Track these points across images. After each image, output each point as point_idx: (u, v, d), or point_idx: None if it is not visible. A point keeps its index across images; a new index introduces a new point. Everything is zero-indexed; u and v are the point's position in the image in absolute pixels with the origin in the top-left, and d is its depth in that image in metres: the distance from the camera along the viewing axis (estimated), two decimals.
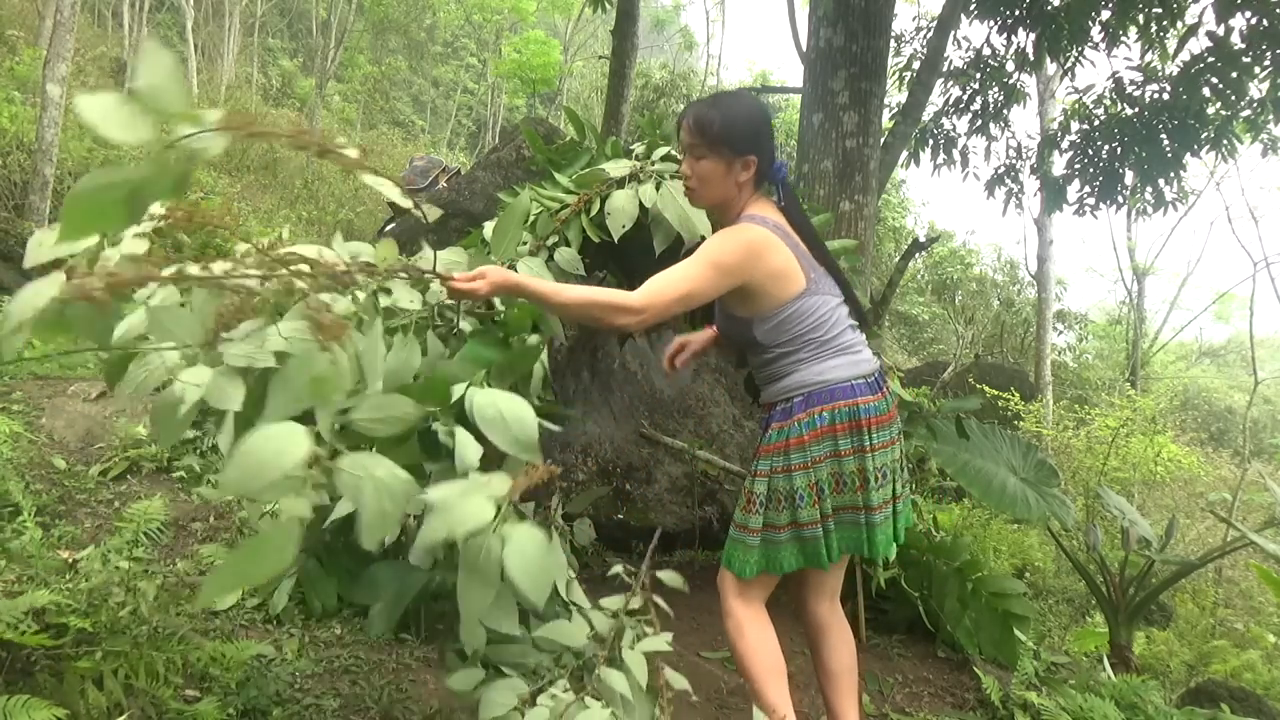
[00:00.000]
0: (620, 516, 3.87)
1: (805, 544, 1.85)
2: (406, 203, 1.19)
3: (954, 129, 6.89)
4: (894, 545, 1.91)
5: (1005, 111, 6.63)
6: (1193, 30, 5.19)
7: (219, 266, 1.07)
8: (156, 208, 1.14)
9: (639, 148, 2.76)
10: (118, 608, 1.78)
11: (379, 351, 1.16)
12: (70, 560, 2.15)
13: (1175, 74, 5.44)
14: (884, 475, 1.85)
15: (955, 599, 2.91)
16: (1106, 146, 5.92)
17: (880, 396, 1.86)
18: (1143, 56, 5.71)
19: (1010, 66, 6.34)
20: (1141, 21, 5.48)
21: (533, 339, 1.75)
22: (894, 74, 6.64)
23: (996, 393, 7.99)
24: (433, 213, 1.28)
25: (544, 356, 1.86)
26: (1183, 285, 17.01)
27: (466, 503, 1.14)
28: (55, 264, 1.12)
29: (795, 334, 1.86)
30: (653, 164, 2.62)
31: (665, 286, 1.73)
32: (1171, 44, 5.57)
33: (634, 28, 8.46)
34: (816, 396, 1.83)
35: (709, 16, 26.68)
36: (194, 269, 1.05)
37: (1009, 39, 6.06)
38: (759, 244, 1.79)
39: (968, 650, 2.89)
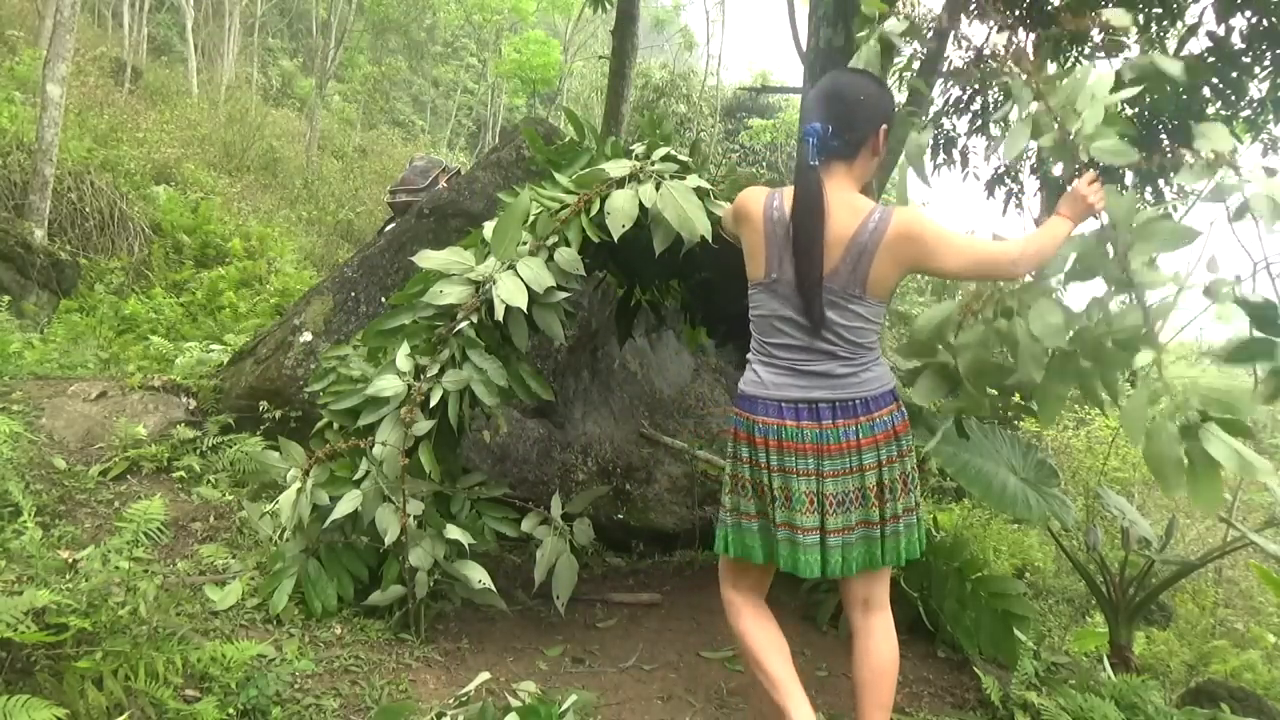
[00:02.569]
0: (620, 516, 3.87)
1: (735, 531, 1.95)
2: None
3: (954, 129, 6.89)
4: (818, 569, 1.84)
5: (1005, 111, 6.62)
6: (1193, 30, 5.19)
7: None
8: None
9: (639, 148, 2.76)
10: (118, 608, 1.78)
11: None
12: (70, 560, 2.15)
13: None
14: (789, 498, 1.83)
15: (955, 599, 2.91)
16: None
17: (791, 424, 1.82)
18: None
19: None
20: (1141, 21, 5.47)
21: None
22: (894, 74, 6.64)
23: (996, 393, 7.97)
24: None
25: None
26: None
27: None
28: None
29: (751, 318, 1.94)
30: (653, 164, 2.62)
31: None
32: (1171, 44, 5.57)
33: (634, 28, 8.46)
34: (736, 398, 1.95)
35: (709, 16, 26.59)
36: None
37: (1009, 39, 6.05)
38: (735, 206, 1.98)
39: (968, 650, 2.88)
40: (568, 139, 3.08)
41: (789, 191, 1.83)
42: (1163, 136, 5.50)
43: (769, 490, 1.86)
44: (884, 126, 1.86)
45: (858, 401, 1.82)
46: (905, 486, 1.89)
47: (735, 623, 1.99)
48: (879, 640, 1.93)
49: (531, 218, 2.55)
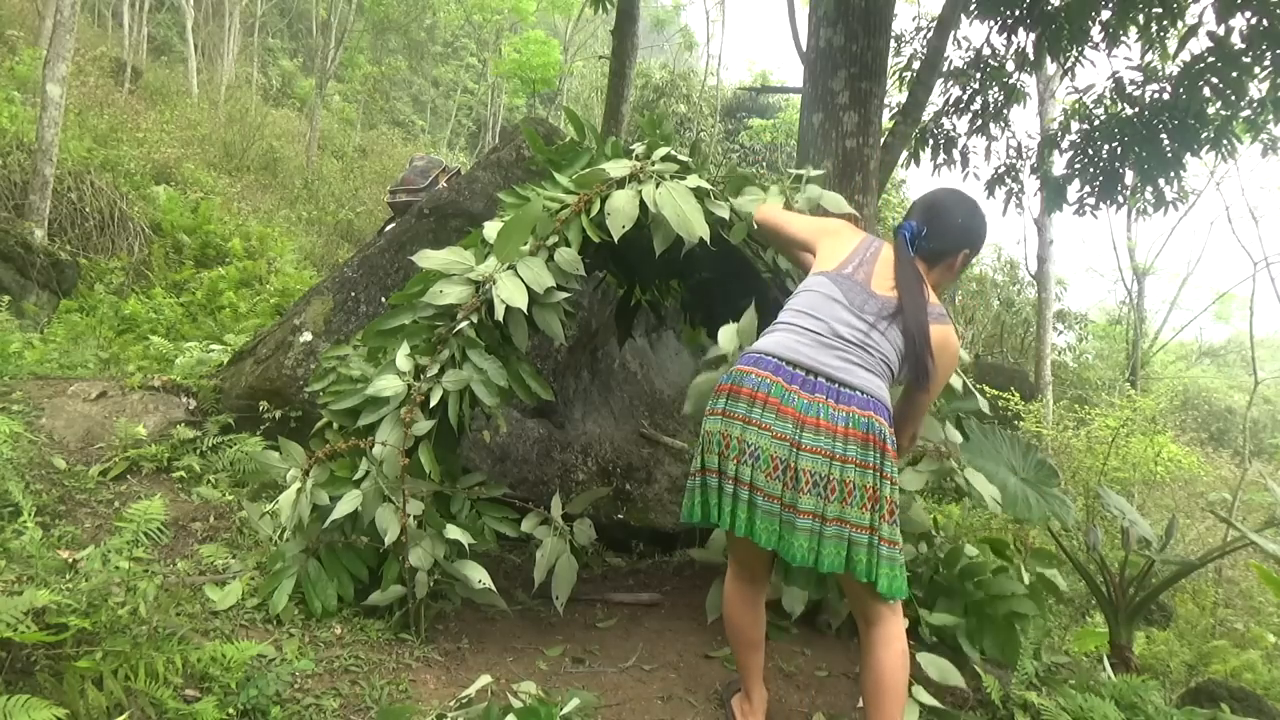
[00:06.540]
0: (620, 516, 3.87)
1: (701, 492, 1.93)
2: None
3: (954, 129, 6.89)
4: (773, 541, 1.83)
5: (1005, 111, 6.63)
6: (1193, 30, 5.19)
7: None
8: None
9: (639, 148, 2.76)
10: (118, 608, 1.78)
11: None
12: (70, 560, 2.15)
13: (1175, 74, 5.44)
14: (756, 456, 1.82)
15: (956, 599, 2.90)
16: (1106, 146, 5.92)
17: (783, 383, 1.84)
18: (1143, 56, 5.71)
19: (1010, 66, 6.34)
20: (1141, 21, 5.47)
21: None
22: (894, 74, 6.64)
23: (997, 393, 8.00)
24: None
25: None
26: (1183, 285, 17.04)
27: None
28: None
29: (796, 292, 2.08)
30: (653, 164, 2.62)
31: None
32: (1171, 44, 5.57)
33: (634, 28, 8.46)
34: (739, 360, 1.99)
35: (709, 16, 26.62)
36: None
37: (1009, 39, 6.05)
38: (824, 224, 2.29)
39: (968, 650, 2.88)
40: (568, 139, 3.08)
41: (887, 255, 2.03)
42: (1162, 136, 5.50)
43: (734, 443, 1.84)
44: (966, 252, 2.08)
45: (857, 392, 1.84)
46: (878, 504, 1.82)
47: (724, 609, 2.10)
48: (879, 653, 1.91)
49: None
